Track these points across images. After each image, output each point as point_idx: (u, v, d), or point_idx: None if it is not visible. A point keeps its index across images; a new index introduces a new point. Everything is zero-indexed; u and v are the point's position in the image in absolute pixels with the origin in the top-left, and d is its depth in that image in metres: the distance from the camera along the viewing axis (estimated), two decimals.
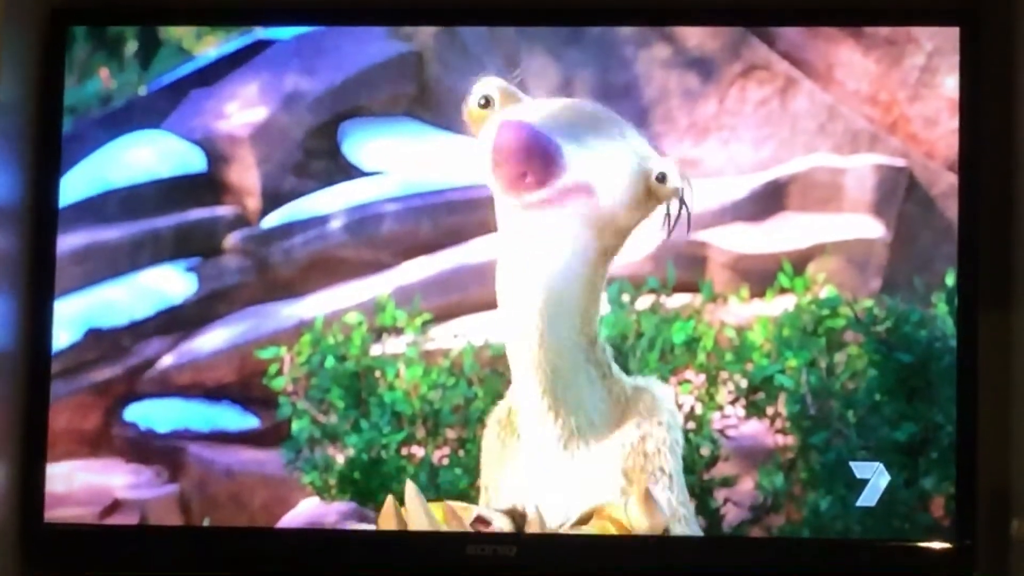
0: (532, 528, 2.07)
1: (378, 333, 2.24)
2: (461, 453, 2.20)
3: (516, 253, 2.04)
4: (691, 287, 2.21)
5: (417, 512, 2.06)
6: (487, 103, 2.06)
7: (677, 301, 2.21)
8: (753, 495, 2.17)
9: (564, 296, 2.03)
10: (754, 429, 2.19)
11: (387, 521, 2.08)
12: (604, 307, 2.09)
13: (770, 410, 2.18)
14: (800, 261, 2.19)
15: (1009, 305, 2.16)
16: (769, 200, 2.21)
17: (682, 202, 2.06)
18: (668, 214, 2.07)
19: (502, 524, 2.09)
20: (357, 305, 2.24)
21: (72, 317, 2.24)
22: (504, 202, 2.04)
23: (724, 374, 2.19)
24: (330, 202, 2.26)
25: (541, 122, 2.02)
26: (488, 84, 2.07)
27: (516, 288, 2.04)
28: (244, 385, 2.26)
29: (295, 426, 2.24)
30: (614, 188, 2.03)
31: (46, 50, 2.23)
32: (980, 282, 2.15)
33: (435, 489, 2.19)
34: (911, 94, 2.19)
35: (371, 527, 2.20)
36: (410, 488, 2.07)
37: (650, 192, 2.05)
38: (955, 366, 2.13)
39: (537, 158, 1.99)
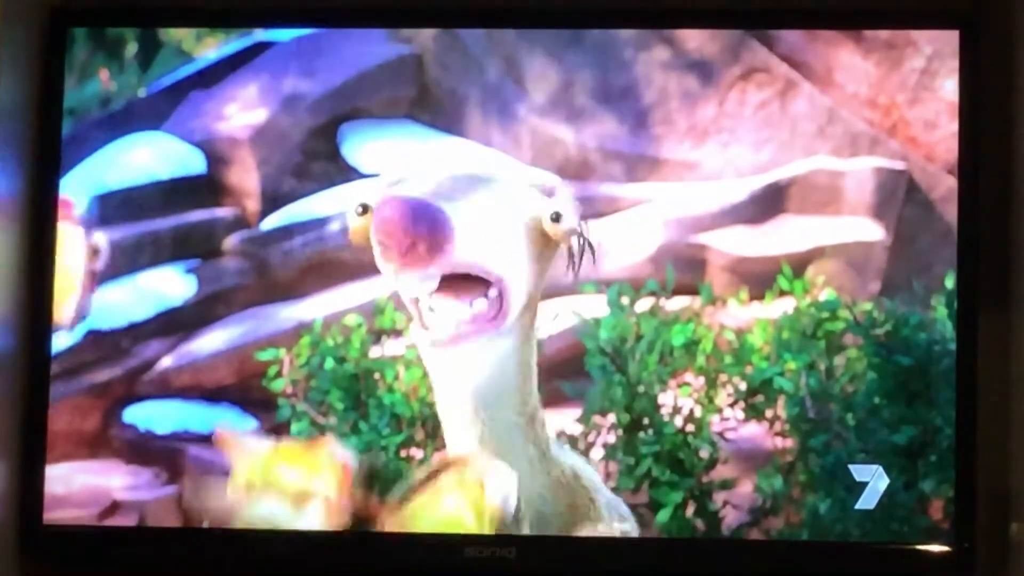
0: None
1: (377, 335, 2.25)
2: None
3: (444, 370, 2.03)
4: (690, 290, 2.21)
5: None
6: (364, 211, 2.00)
7: (676, 304, 2.21)
8: (752, 498, 2.17)
9: (500, 386, 2.02)
10: (753, 432, 2.19)
11: None
12: (534, 372, 2.05)
13: (769, 413, 2.18)
14: (799, 264, 2.20)
15: (1008, 308, 2.16)
16: (768, 203, 2.21)
17: (582, 239, 2.04)
18: (571, 254, 2.05)
19: None
20: (356, 307, 2.24)
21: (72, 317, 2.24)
22: (417, 336, 2.01)
23: (723, 377, 2.19)
24: (329, 204, 2.26)
25: (419, 194, 1.95)
26: (364, 192, 2.02)
27: (452, 399, 2.03)
28: (243, 387, 2.26)
29: (294, 428, 2.24)
30: (513, 247, 1.99)
31: (46, 52, 2.23)
32: (979, 285, 2.15)
33: None
34: (911, 97, 2.19)
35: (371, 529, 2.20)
36: None
37: (546, 237, 2.01)
38: (954, 369, 2.13)
39: (423, 223, 1.91)
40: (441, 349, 2.00)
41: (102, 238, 2.22)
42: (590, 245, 2.04)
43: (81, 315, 2.20)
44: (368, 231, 1.97)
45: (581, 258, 2.05)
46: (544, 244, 2.02)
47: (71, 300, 2.20)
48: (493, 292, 1.99)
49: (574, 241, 2.03)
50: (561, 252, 2.04)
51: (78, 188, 2.24)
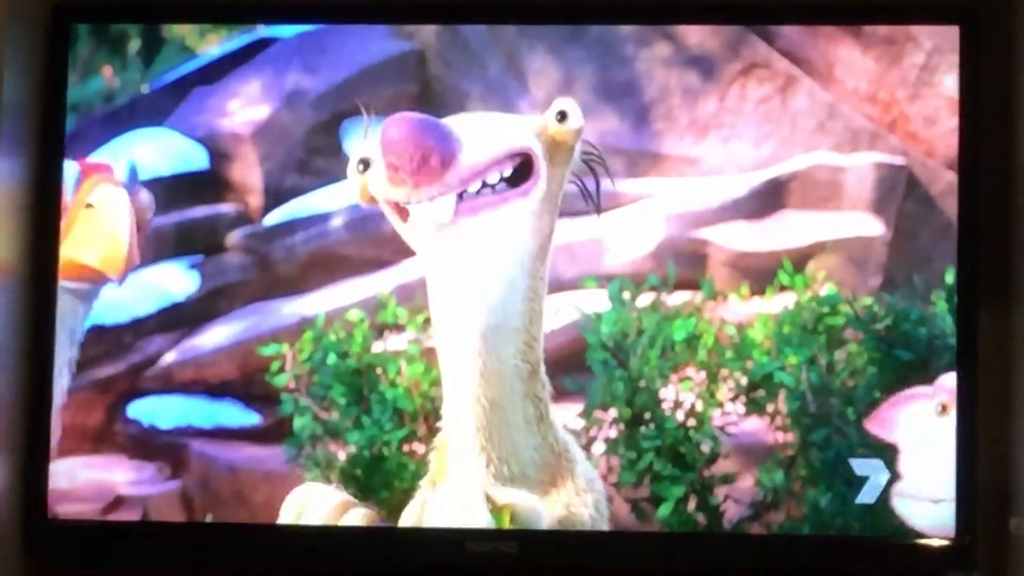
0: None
1: (380, 330, 2.25)
2: None
3: (447, 273, 2.01)
4: (692, 284, 2.21)
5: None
6: (366, 167, 2.02)
7: (678, 298, 2.21)
8: (753, 492, 2.18)
9: (506, 313, 2.01)
10: (754, 426, 2.19)
11: None
12: (544, 325, 2.05)
13: (770, 407, 2.18)
14: (800, 259, 2.20)
15: (1008, 303, 2.16)
16: (769, 198, 2.21)
17: (595, 161, 2.04)
18: (584, 190, 2.05)
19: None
20: (359, 302, 2.25)
21: None
22: (422, 220, 2.01)
23: (724, 371, 2.19)
24: (332, 200, 2.27)
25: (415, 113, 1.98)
26: (364, 149, 2.03)
27: (451, 312, 2.00)
28: (246, 382, 2.27)
29: (297, 423, 2.25)
30: (522, 136, 2.00)
31: (49, 48, 2.24)
32: (979, 280, 2.15)
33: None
34: (911, 93, 2.20)
35: (372, 524, 2.20)
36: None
37: (556, 142, 2.01)
38: (954, 364, 2.13)
39: (431, 135, 1.93)
40: (459, 224, 1.97)
41: (147, 198, 2.23)
42: (601, 160, 2.04)
43: (129, 268, 2.19)
44: (371, 188, 1.99)
45: (598, 191, 2.04)
46: (555, 149, 2.01)
47: (117, 257, 2.19)
48: (517, 160, 1.98)
49: (589, 180, 2.04)
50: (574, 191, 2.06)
51: (114, 155, 2.25)
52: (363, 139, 2.05)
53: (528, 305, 2.01)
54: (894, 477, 2.13)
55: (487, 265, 2.00)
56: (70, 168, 2.21)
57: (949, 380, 2.13)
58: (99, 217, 2.18)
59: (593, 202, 2.06)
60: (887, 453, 2.14)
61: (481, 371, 2.00)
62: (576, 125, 2.02)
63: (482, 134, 1.99)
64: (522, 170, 2.01)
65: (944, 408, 2.12)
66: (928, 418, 2.12)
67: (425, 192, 1.95)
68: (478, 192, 2.00)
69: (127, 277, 2.17)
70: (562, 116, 2.01)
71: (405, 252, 2.24)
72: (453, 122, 2.00)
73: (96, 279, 2.20)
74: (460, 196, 1.98)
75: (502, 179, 2.00)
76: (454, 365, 2.02)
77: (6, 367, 2.16)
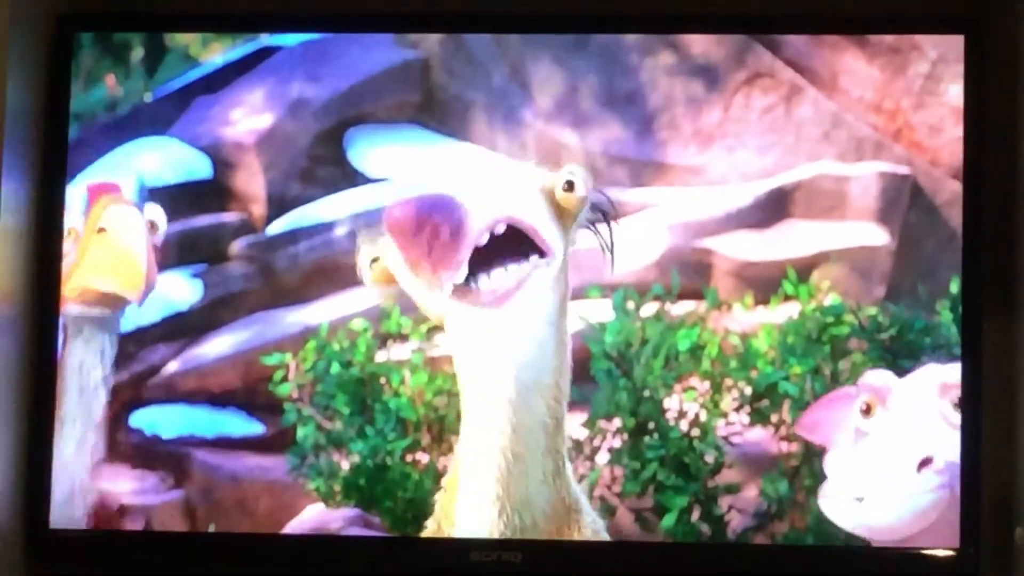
0: None
1: (383, 340, 2.25)
2: None
3: (476, 339, 2.00)
4: (696, 294, 2.21)
5: None
6: (376, 260, 2.02)
7: (682, 308, 2.21)
8: (757, 502, 2.18)
9: (538, 370, 2.00)
10: (758, 436, 2.19)
11: None
12: (568, 374, 2.04)
13: (774, 417, 2.18)
14: (804, 268, 2.20)
15: (1013, 312, 2.16)
16: (774, 207, 2.21)
17: (604, 214, 2.05)
18: (601, 241, 2.06)
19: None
20: (362, 312, 2.24)
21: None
22: (451, 306, 2.00)
23: (729, 381, 2.19)
24: (335, 209, 2.26)
25: (417, 191, 1.95)
26: (375, 247, 2.03)
27: (483, 374, 2.00)
28: (249, 391, 2.26)
29: (300, 432, 2.24)
30: (534, 208, 1.99)
31: (52, 57, 2.24)
32: (984, 290, 2.15)
33: None
34: (915, 102, 2.20)
35: (375, 533, 2.20)
36: None
37: (562, 208, 2.01)
38: (959, 373, 2.13)
39: (436, 211, 1.92)
40: (493, 307, 1.96)
41: (158, 212, 2.23)
42: (607, 215, 2.04)
43: (149, 288, 2.20)
44: (386, 273, 2.00)
45: (612, 242, 2.05)
46: (561, 214, 2.01)
47: (136, 278, 2.20)
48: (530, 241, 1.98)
49: (602, 228, 2.04)
50: (589, 238, 2.05)
51: (119, 172, 2.25)
52: (372, 243, 2.04)
53: (558, 360, 2.01)
54: (821, 478, 2.13)
55: (516, 328, 1.99)
56: (77, 193, 2.22)
57: (873, 378, 2.13)
58: (113, 241, 2.20)
59: (609, 250, 2.06)
60: (815, 455, 2.14)
61: (513, 426, 1.99)
62: (582, 194, 2.01)
63: (485, 199, 1.95)
64: (525, 238, 2.00)
65: (868, 408, 2.12)
66: (854, 419, 2.12)
67: (446, 274, 1.93)
68: (499, 267, 1.98)
69: (147, 297, 2.19)
70: (569, 186, 2.01)
71: None
72: (453, 188, 1.95)
73: (116, 304, 2.22)
74: (476, 271, 1.96)
75: (517, 253, 1.99)
76: (483, 420, 2.00)
77: (8, 378, 2.15)
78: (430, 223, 1.91)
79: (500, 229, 1.95)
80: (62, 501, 2.20)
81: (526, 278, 1.97)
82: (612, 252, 2.06)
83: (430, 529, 2.10)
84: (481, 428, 2.00)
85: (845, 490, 2.11)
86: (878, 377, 2.13)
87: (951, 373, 2.12)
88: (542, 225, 1.99)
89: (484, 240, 1.94)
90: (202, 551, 2.22)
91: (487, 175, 2.04)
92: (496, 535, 2.01)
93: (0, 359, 2.12)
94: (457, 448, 2.06)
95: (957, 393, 2.11)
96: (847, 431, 2.13)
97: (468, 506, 2.02)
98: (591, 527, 2.06)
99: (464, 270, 1.93)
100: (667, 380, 2.19)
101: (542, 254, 1.98)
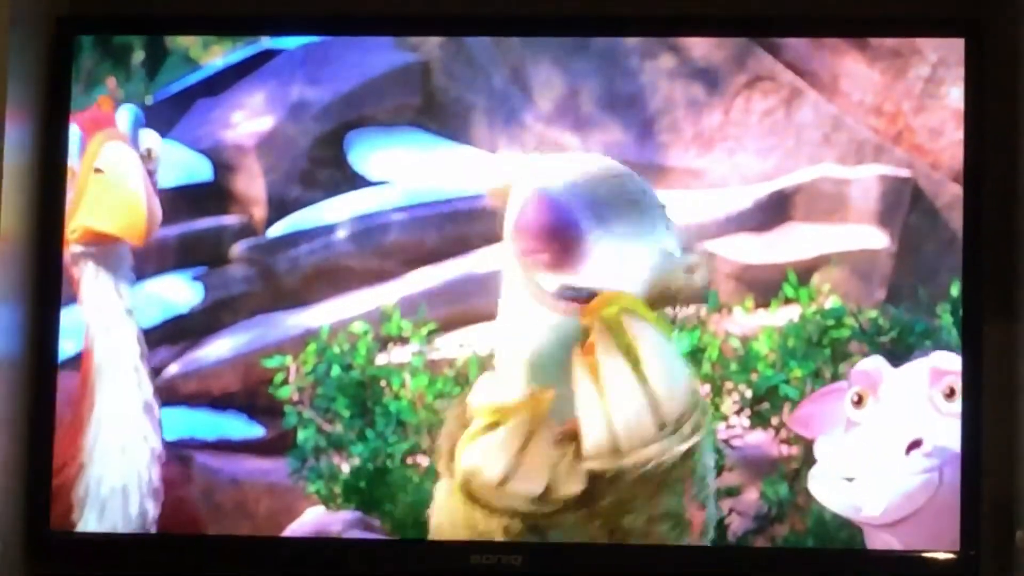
0: None
1: (384, 342, 2.25)
2: None
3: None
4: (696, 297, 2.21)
5: None
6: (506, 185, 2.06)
7: (682, 311, 2.21)
8: (758, 505, 2.18)
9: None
10: (759, 439, 2.19)
11: None
12: None
13: (775, 420, 2.18)
14: (805, 271, 2.20)
15: (1013, 315, 2.16)
16: (774, 210, 2.21)
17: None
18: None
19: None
20: (363, 314, 2.24)
21: (78, 326, 2.23)
22: (516, 284, 2.03)
23: (729, 384, 2.19)
24: (336, 212, 2.26)
25: (573, 194, 2.00)
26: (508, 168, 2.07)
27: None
28: (250, 394, 2.26)
29: (301, 435, 2.24)
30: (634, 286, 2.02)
31: (53, 59, 2.24)
32: (984, 293, 2.15)
33: None
34: (916, 105, 2.20)
35: (376, 536, 2.20)
36: None
37: (670, 289, 2.04)
38: (959, 376, 2.13)
39: (557, 241, 1.97)
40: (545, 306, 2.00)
41: (153, 138, 2.22)
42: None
43: (152, 228, 2.19)
44: (506, 195, 2.03)
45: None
46: (661, 297, 2.04)
47: (137, 222, 2.18)
48: None
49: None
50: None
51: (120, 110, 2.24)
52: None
53: None
54: (811, 462, 2.14)
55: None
56: (71, 131, 2.20)
57: (866, 365, 2.13)
58: (111, 183, 2.18)
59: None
60: (808, 450, 2.15)
61: None
62: (702, 283, 2.07)
63: (612, 250, 1.99)
64: None
65: (860, 398, 2.12)
66: (846, 410, 2.13)
67: (527, 268, 2.00)
68: None
69: (151, 238, 2.19)
70: (691, 270, 2.05)
71: (409, 264, 2.25)
72: (595, 220, 1.99)
73: (115, 243, 2.20)
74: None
75: None
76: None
77: (9, 380, 2.15)
78: (548, 240, 1.97)
79: None
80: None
81: None
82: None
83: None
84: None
85: (834, 472, 2.12)
86: (870, 364, 2.13)
87: (943, 360, 2.12)
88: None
89: None
90: (202, 553, 2.22)
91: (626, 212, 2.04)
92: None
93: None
94: None
95: (948, 381, 2.11)
96: (839, 422, 2.13)
97: None
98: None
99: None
100: None
101: None
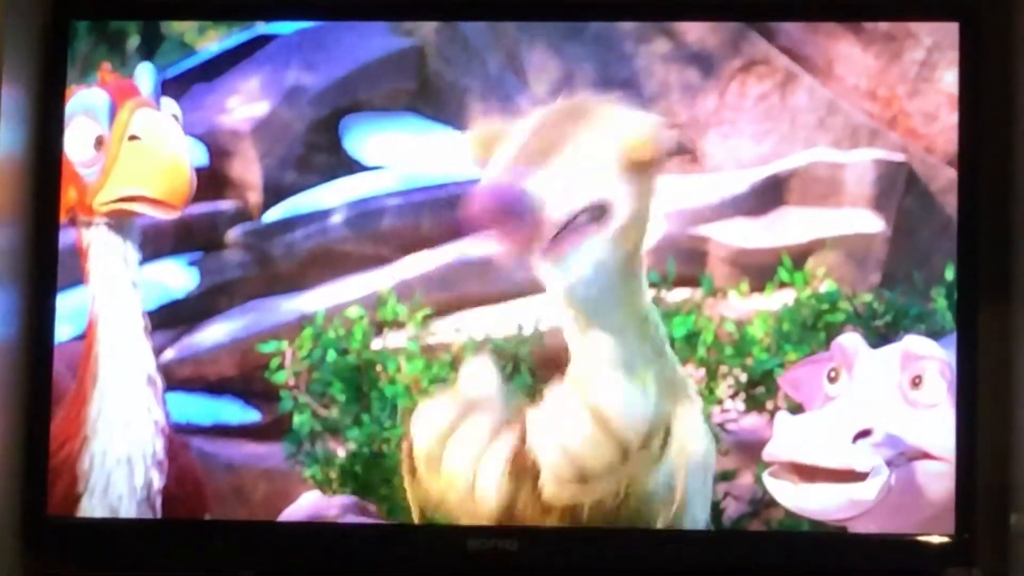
0: None
1: (379, 327, 2.25)
2: None
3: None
4: (691, 281, 2.21)
5: None
6: None
7: (677, 295, 2.21)
8: (753, 489, 2.18)
9: (605, 320, 2.00)
10: (754, 423, 2.19)
11: None
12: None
13: (770, 404, 2.19)
14: (800, 255, 2.20)
15: (1008, 299, 2.16)
16: (769, 195, 2.21)
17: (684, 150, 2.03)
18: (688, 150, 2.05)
19: None
20: (358, 299, 2.25)
21: (74, 311, 2.24)
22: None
23: (724, 368, 2.19)
24: (331, 197, 2.27)
25: (507, 168, 1.95)
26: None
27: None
28: (245, 379, 2.27)
29: (296, 420, 2.25)
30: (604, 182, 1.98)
31: (48, 44, 2.23)
32: (979, 277, 2.15)
33: None
34: (911, 89, 2.20)
35: (372, 520, 2.20)
36: None
37: (640, 164, 1.97)
38: (954, 360, 2.13)
39: (511, 212, 1.92)
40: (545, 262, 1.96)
41: (174, 106, 2.21)
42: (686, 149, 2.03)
43: (193, 187, 2.17)
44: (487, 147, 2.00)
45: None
46: (638, 168, 1.97)
47: (183, 184, 2.15)
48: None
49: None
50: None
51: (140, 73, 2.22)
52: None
53: (624, 307, 2.01)
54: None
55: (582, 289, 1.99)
56: (98, 96, 2.19)
57: (844, 340, 2.11)
58: (151, 148, 2.16)
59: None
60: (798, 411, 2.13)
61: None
62: (658, 143, 1.98)
63: (564, 187, 1.94)
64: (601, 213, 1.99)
65: (835, 373, 2.10)
66: (823, 384, 2.11)
67: (519, 258, 1.95)
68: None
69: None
70: (649, 138, 1.98)
71: (405, 249, 2.25)
72: (535, 181, 1.93)
73: (152, 208, 2.17)
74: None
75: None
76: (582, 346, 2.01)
77: (4, 365, 2.16)
78: (506, 224, 1.92)
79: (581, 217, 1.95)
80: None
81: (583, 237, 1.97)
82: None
83: None
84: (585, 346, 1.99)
85: (784, 456, 2.05)
86: (848, 339, 2.11)
87: (916, 345, 2.09)
88: (619, 195, 1.97)
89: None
90: (199, 538, 2.22)
91: (563, 162, 1.97)
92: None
93: None
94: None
95: (918, 368, 2.07)
96: (819, 394, 2.11)
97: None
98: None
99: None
100: None
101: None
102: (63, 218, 2.20)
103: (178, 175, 2.15)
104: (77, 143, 2.19)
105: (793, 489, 2.05)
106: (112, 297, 2.18)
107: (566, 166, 1.94)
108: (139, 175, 2.17)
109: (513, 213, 1.91)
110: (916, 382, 2.07)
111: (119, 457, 2.18)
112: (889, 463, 2.02)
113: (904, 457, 2.04)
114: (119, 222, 2.18)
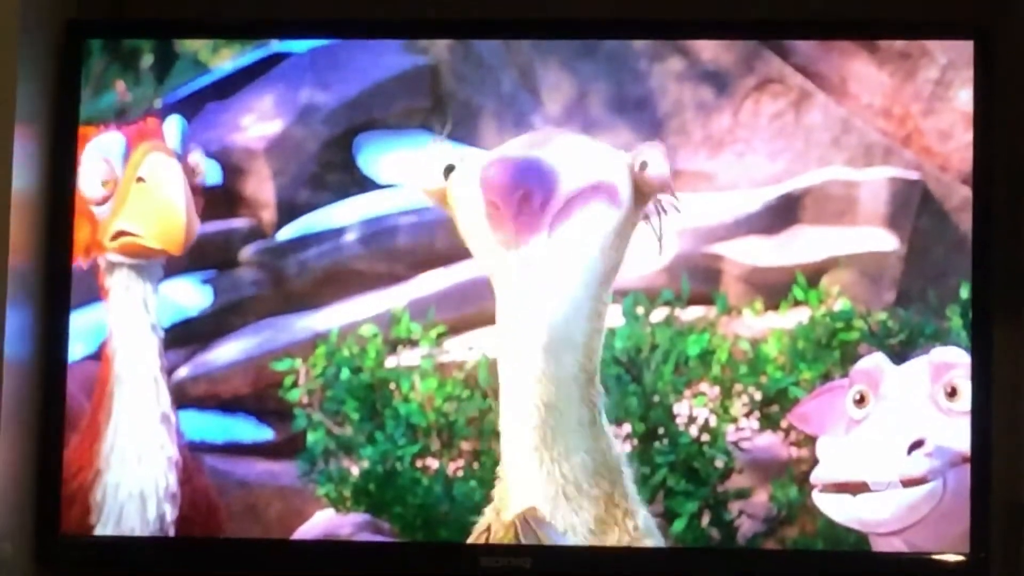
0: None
1: (393, 345, 2.25)
2: (476, 466, 2.20)
3: (517, 291, 2.05)
4: (706, 300, 2.21)
5: None
6: (450, 171, 2.09)
7: (692, 314, 2.21)
8: (767, 507, 2.18)
9: (569, 330, 2.04)
10: (768, 441, 2.19)
11: None
12: (602, 337, 2.09)
13: (784, 423, 2.18)
14: (814, 274, 2.20)
15: (1023, 317, 2.16)
16: (783, 213, 2.21)
17: (660, 208, 2.09)
18: (653, 228, 2.09)
19: None
20: (372, 317, 2.24)
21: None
22: (519, 264, 2.04)
23: (738, 386, 2.19)
24: (345, 215, 2.27)
25: (516, 152, 2.06)
26: (447, 155, 2.10)
27: (516, 322, 2.05)
28: (259, 397, 2.27)
29: (310, 438, 2.24)
30: (613, 169, 2.06)
31: (62, 63, 2.24)
32: (994, 295, 2.15)
33: (450, 501, 2.19)
34: (925, 107, 2.20)
35: (386, 539, 2.20)
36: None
37: (637, 187, 2.07)
38: (969, 379, 2.13)
39: (532, 175, 2.00)
40: (534, 243, 2.02)
41: (199, 155, 2.23)
42: (672, 203, 2.09)
43: (190, 239, 2.19)
44: (449, 194, 2.08)
45: (661, 231, 2.10)
46: (637, 190, 2.07)
47: (176, 232, 2.18)
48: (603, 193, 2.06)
49: (654, 217, 2.09)
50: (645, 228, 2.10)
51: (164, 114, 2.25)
52: (442, 139, 2.10)
53: (590, 324, 2.06)
54: (813, 463, 2.13)
55: (556, 283, 2.04)
56: (115, 139, 2.21)
57: (865, 364, 2.12)
58: (152, 192, 2.18)
59: (658, 239, 2.11)
60: (809, 446, 2.15)
61: (539, 377, 2.04)
62: (656, 173, 2.07)
63: (577, 161, 2.05)
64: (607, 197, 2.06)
65: (862, 397, 2.11)
66: (848, 409, 2.12)
67: (524, 238, 2.02)
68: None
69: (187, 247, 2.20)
70: (643, 166, 2.07)
71: (418, 267, 2.25)
72: (551, 151, 2.05)
73: (155, 255, 2.21)
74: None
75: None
76: (514, 372, 2.05)
77: (18, 384, 2.15)
78: (524, 188, 2.00)
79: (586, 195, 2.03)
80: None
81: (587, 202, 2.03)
82: (660, 240, 2.11)
83: (487, 518, 2.11)
84: (512, 381, 2.05)
85: (836, 477, 2.10)
86: (871, 362, 2.12)
87: (944, 355, 2.11)
88: (623, 190, 2.06)
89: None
90: (212, 556, 2.22)
91: (580, 146, 2.10)
92: (541, 490, 2.04)
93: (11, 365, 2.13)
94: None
95: (951, 378, 2.09)
96: (840, 421, 2.12)
97: (510, 464, 2.06)
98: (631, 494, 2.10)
99: (544, 235, 2.01)
100: (677, 386, 2.19)
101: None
102: (77, 253, 2.22)
103: (172, 222, 2.18)
104: (90, 182, 2.21)
105: (851, 501, 2.07)
106: (129, 339, 2.19)
107: (582, 146, 2.07)
108: (139, 217, 2.20)
109: (531, 183, 2.00)
110: (951, 391, 2.09)
111: (131, 491, 2.18)
112: (940, 471, 2.06)
113: (950, 464, 2.07)
114: (140, 263, 2.22)
